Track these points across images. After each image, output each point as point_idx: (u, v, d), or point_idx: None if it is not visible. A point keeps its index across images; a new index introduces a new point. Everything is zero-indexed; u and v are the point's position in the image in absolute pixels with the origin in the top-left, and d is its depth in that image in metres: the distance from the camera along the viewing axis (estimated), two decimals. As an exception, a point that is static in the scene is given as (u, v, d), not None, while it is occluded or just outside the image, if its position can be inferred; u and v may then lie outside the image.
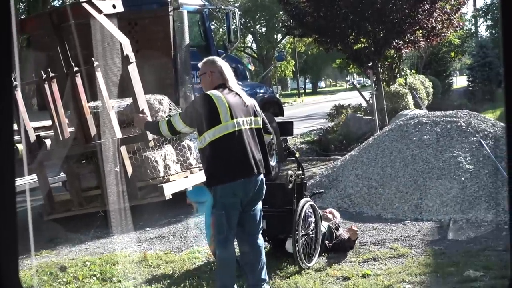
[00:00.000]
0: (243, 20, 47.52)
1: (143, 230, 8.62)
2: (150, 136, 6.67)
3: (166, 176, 7.43)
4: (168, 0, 10.18)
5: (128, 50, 6.91)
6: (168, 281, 6.26)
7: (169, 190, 7.19)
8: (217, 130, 5.10)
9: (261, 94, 12.42)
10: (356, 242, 7.03)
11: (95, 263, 7.01)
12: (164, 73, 10.19)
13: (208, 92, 5.23)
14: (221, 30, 39.38)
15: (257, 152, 5.26)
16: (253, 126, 5.32)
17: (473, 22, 49.81)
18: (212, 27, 38.24)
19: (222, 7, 14.14)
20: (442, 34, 16.56)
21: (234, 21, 12.11)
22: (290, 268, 6.37)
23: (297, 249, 6.23)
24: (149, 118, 6.07)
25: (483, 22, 51.98)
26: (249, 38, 56.11)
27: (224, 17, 12.17)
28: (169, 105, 7.90)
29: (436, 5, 15.48)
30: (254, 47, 56.72)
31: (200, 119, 5.14)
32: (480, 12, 49.22)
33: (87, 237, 8.49)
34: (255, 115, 5.38)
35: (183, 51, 10.27)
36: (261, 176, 5.33)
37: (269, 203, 6.79)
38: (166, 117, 6.21)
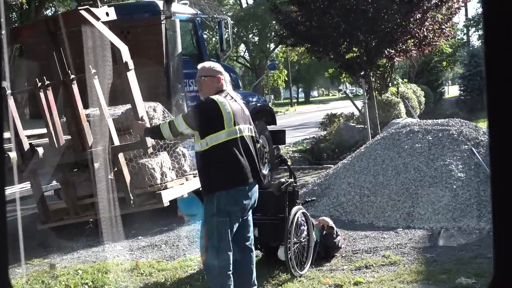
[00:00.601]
0: (235, 29, 47.60)
1: (135, 238, 8.61)
2: (149, 143, 6.67)
3: (164, 183, 7.44)
4: (161, 9, 10.20)
5: (127, 57, 6.93)
6: (160, 289, 6.25)
7: (167, 197, 7.19)
8: (220, 136, 5.12)
9: (253, 103, 12.44)
10: (336, 241, 7.04)
11: (87, 271, 7.00)
12: (156, 81, 10.20)
13: (213, 97, 5.23)
14: (213, 39, 39.44)
15: (255, 159, 5.31)
16: (251, 134, 5.38)
17: (465, 31, 50.06)
18: (205, 36, 38.32)
19: (215, 16, 14.17)
20: (434, 43, 16.63)
21: (227, 30, 12.15)
22: (282, 276, 6.38)
23: (289, 257, 6.24)
24: (148, 125, 6.08)
25: (474, 31, 52.24)
26: (242, 47, 56.22)
27: (216, 26, 12.20)
28: (163, 112, 7.92)
29: (427, 14, 15.57)
30: (247, 56, 56.81)
31: (204, 122, 5.15)
32: (472, 22, 49.47)
33: (79, 246, 8.47)
34: (250, 123, 5.43)
35: (176, 60, 10.28)
36: (257, 185, 5.37)
37: (261, 211, 6.79)
38: (167, 120, 6.20)
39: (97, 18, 6.98)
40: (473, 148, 9.13)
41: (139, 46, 10.21)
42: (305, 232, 6.66)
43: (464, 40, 45.21)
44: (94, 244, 8.43)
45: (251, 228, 5.50)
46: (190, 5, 14.00)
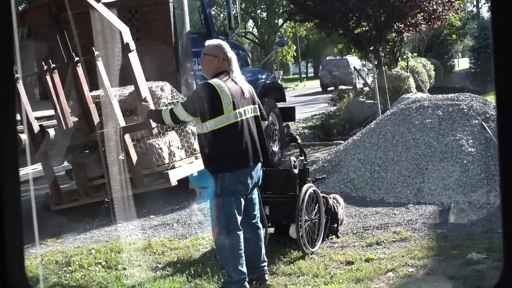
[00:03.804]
0: (243, 5, 47.31)
1: (147, 217, 8.67)
2: (153, 123, 6.69)
3: (171, 162, 7.46)
4: (168, -12, 10.16)
5: (128, 38, 6.90)
6: (173, 268, 6.31)
7: (174, 177, 7.22)
8: (219, 121, 5.16)
9: (262, 80, 12.42)
10: (339, 217, 7.07)
11: (100, 251, 7.06)
12: (165, 60, 10.18)
13: (211, 82, 5.24)
14: (222, 15, 39.22)
15: (258, 140, 5.35)
16: (253, 114, 5.40)
17: (475, 3, 49.59)
18: (213, 12, 38.13)
19: (222, -7, 14.11)
20: (443, 17, 16.51)
21: (235, 6, 12.09)
22: (293, 254, 6.42)
23: (300, 234, 6.27)
24: (152, 106, 6.07)
25: (484, 3, 51.72)
26: (250, 23, 55.92)
27: (224, 3, 12.14)
28: (171, 91, 7.92)
29: (437, -13, 15.44)
30: (255, 32, 56.52)
31: (203, 108, 5.16)
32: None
33: (92, 226, 8.54)
34: (254, 103, 5.44)
35: (184, 39, 10.25)
36: (260, 163, 5.43)
37: (272, 189, 6.84)
38: (168, 106, 6.21)
39: (98, 0, 6.96)
40: (483, 123, 9.10)
41: (147, 25, 10.20)
42: (316, 210, 6.68)
43: (474, 13, 44.80)
44: (107, 224, 8.49)
45: (257, 206, 5.60)
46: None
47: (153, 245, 7.11)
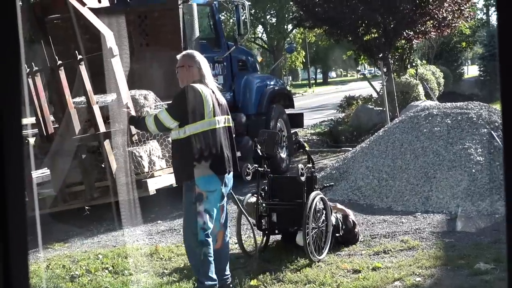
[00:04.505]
0: (253, 10, 47.36)
1: (155, 222, 8.67)
2: (134, 130, 6.65)
3: (151, 171, 7.44)
4: (178, -7, 10.18)
5: (111, 43, 6.89)
6: (179, 274, 6.30)
7: (153, 186, 7.23)
8: (200, 125, 5.20)
9: (271, 86, 12.43)
10: (356, 230, 7.03)
11: (107, 256, 7.07)
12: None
13: (196, 86, 5.25)
14: (231, 20, 39.29)
15: (230, 150, 5.42)
16: (227, 124, 5.48)
17: (485, 11, 49.50)
18: (222, 17, 38.19)
19: (232, -1, 14.11)
20: (453, 25, 16.48)
21: (244, 12, 12.10)
22: (300, 261, 6.40)
23: (307, 242, 6.25)
24: (133, 113, 6.03)
25: (494, 11, 51.60)
26: (260, 28, 55.97)
27: (234, 9, 12.16)
28: (155, 100, 7.91)
29: (447, -5, 15.42)
30: (265, 38, 56.57)
31: (185, 111, 5.17)
32: (492, 1, 48.88)
33: (99, 230, 8.55)
34: (228, 113, 5.51)
35: (193, 44, 10.27)
36: (231, 174, 5.47)
37: (279, 196, 6.83)
38: (152, 113, 6.18)
39: (83, 4, 6.95)
40: (492, 132, 9.07)
41: (156, 31, 10.24)
42: (323, 217, 6.66)
43: (484, 20, 44.72)
44: (114, 228, 8.50)
45: (226, 216, 5.61)
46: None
47: (160, 251, 7.11)
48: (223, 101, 5.52)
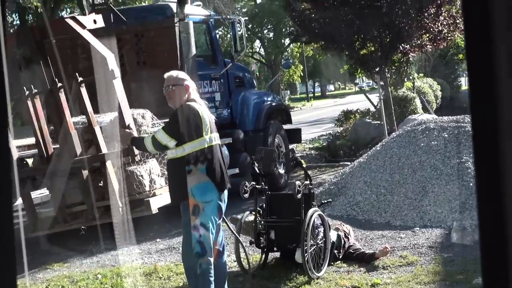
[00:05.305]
0: (250, 25, 47.53)
1: (154, 241, 8.67)
2: (136, 150, 6.71)
3: (152, 190, 7.48)
4: (174, 12, 10.24)
5: (113, 65, 6.95)
6: (178, 293, 6.30)
7: (155, 204, 7.27)
8: (198, 143, 5.23)
9: (268, 102, 12.46)
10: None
11: (106, 275, 7.07)
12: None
13: (193, 105, 5.32)
14: (228, 35, 39.41)
15: (225, 167, 5.49)
16: (219, 142, 5.54)
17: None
18: (220, 33, 38.33)
19: (228, 16, 14.18)
20: (449, 38, 16.55)
21: (240, 29, 12.17)
22: (299, 278, 6.40)
23: (306, 259, 6.26)
24: (135, 133, 6.11)
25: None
26: (257, 43, 56.18)
27: (230, 25, 12.24)
28: (152, 119, 7.98)
29: (442, 8, 15.49)
30: (262, 52, 56.76)
31: (184, 130, 5.22)
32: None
33: (99, 250, 8.54)
34: (217, 132, 5.57)
35: (190, 62, 10.32)
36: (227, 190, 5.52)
37: (277, 213, 6.84)
38: (150, 133, 6.24)
39: (83, 26, 7.01)
40: (489, 145, 9.08)
41: (153, 49, 10.28)
42: (322, 234, 6.67)
43: (480, 32, 44.89)
44: (113, 248, 8.49)
45: (222, 233, 5.62)
46: (204, 3, 14.04)
47: (159, 270, 7.10)
48: (213, 118, 5.59)
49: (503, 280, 1.19)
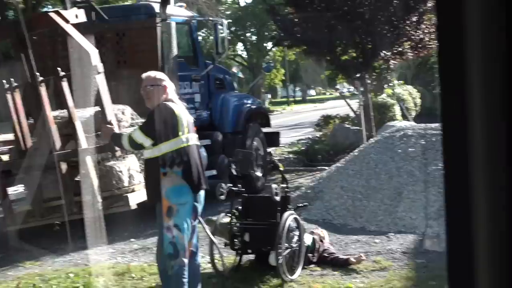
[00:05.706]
0: (233, 28, 47.54)
1: (128, 240, 8.61)
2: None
3: (131, 186, 7.47)
4: (156, 12, 10.21)
5: (96, 60, 6.92)
6: (151, 293, 6.27)
7: (134, 200, 7.25)
8: (175, 143, 5.23)
9: (248, 105, 12.46)
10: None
11: (78, 275, 7.01)
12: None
13: (169, 104, 5.30)
14: (211, 37, 39.38)
15: (201, 167, 5.48)
16: (196, 142, 5.53)
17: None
18: (202, 35, 38.27)
19: (211, 18, 14.16)
20: (430, 46, 16.67)
21: (222, 31, 12.16)
22: (273, 281, 6.40)
23: (280, 262, 6.25)
24: (116, 129, 6.10)
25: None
26: (240, 45, 56.17)
27: (213, 27, 12.23)
28: (131, 115, 7.97)
29: (424, 17, 15.60)
30: (245, 55, 56.76)
31: (160, 130, 5.22)
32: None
33: (72, 248, 8.46)
34: (195, 132, 5.57)
35: (171, 62, 10.29)
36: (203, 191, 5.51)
37: (252, 216, 6.83)
38: (127, 132, 6.22)
39: (67, 21, 6.97)
40: (465, 153, 9.15)
41: (134, 49, 10.25)
42: (296, 237, 6.67)
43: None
44: (87, 247, 8.42)
45: (197, 235, 5.61)
46: (188, 5, 14.01)
47: (132, 270, 7.06)
48: (191, 119, 5.57)
49: None
